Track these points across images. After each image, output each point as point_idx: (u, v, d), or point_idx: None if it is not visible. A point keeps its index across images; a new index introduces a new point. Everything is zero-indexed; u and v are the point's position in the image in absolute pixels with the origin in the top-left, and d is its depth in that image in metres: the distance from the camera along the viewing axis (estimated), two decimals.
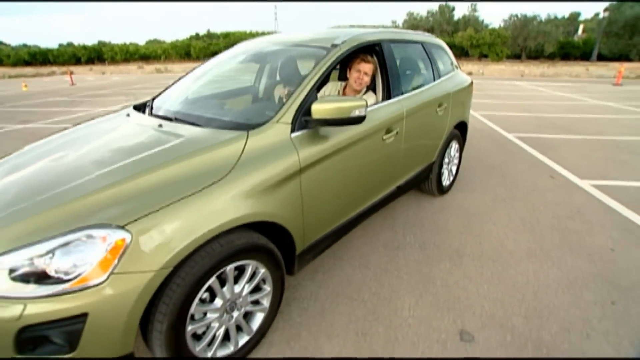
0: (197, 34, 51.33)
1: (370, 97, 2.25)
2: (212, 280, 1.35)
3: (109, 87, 16.62)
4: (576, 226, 2.78)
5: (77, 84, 18.88)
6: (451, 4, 39.61)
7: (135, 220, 1.16)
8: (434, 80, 2.83)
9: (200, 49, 41.23)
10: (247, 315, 1.61)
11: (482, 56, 33.13)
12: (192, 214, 1.25)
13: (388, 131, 2.14)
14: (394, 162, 2.33)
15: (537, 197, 3.34)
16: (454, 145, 3.24)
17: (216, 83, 2.40)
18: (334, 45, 1.97)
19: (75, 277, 1.10)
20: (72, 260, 1.11)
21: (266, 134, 1.54)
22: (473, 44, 32.78)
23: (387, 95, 2.26)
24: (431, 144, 2.81)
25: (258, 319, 1.64)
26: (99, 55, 42.61)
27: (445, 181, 3.26)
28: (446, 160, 3.14)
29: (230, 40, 41.28)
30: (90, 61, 42.25)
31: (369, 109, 2.03)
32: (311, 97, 1.71)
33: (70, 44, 49.09)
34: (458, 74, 3.28)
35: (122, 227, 1.14)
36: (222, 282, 1.42)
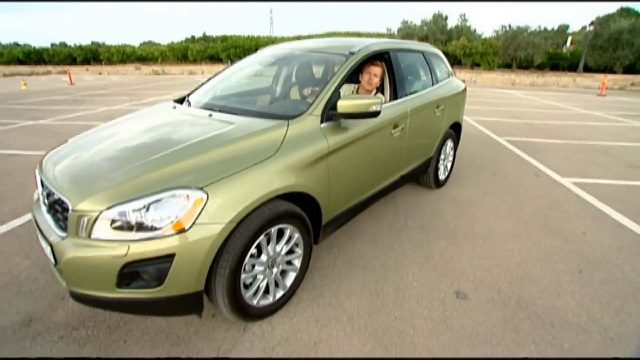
0: (193, 37, 51.57)
1: (380, 98, 2.63)
2: (262, 238, 1.70)
3: (109, 87, 16.81)
4: (555, 215, 3.18)
5: (76, 83, 18.99)
6: (444, 12, 40.66)
7: (211, 183, 1.50)
8: (433, 85, 3.23)
9: (198, 51, 41.52)
10: (283, 273, 1.95)
11: (475, 65, 34.09)
12: (250, 182, 1.59)
13: (395, 126, 2.51)
14: (399, 154, 2.71)
15: (523, 191, 3.75)
16: (449, 144, 3.64)
17: (248, 81, 2.77)
18: (352, 53, 2.35)
19: (166, 225, 1.43)
20: (163, 213, 1.44)
21: (302, 124, 1.90)
22: (466, 52, 33.72)
23: (394, 96, 2.64)
24: (430, 140, 3.20)
25: (291, 277, 1.98)
26: (95, 56, 42.53)
27: (441, 175, 3.65)
28: (442, 156, 3.54)
29: (228, 43, 41.62)
30: (86, 61, 42.20)
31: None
32: (335, 95, 2.08)
33: (63, 44, 48.92)
34: (453, 80, 3.69)
35: (201, 189, 1.48)
36: (267, 241, 1.76)
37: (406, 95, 2.75)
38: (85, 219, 1.44)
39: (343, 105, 1.97)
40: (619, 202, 3.44)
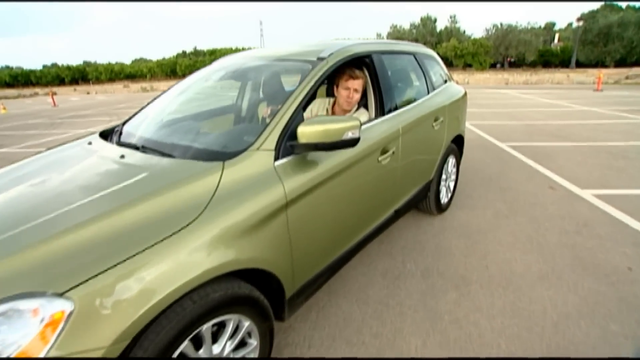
0: (184, 52, 51.31)
1: (363, 115, 2.07)
2: (185, 345, 1.11)
3: (93, 107, 16.28)
4: (585, 242, 2.61)
5: (60, 105, 18.48)
6: (433, 15, 40.59)
7: (80, 284, 0.92)
8: (428, 93, 2.67)
9: (187, 66, 41.16)
10: None
11: (467, 66, 33.85)
12: (154, 270, 1.01)
13: (384, 151, 1.94)
14: (391, 185, 2.14)
15: (540, 211, 3.18)
16: (451, 161, 3.07)
17: (193, 103, 2.19)
18: (320, 59, 1.79)
19: None
20: None
21: (245, 164, 1.32)
22: (457, 54, 33.50)
23: (381, 112, 2.08)
24: (428, 161, 2.63)
25: None
26: (83, 76, 42.08)
27: (444, 199, 3.08)
28: (444, 176, 2.97)
29: (216, 56, 41.32)
30: (74, 81, 41.73)
31: (362, 127, 1.84)
32: (297, 118, 1.51)
33: (54, 65, 48.51)
34: (451, 85, 3.14)
35: (61, 295, 0.90)
36: (198, 344, 1.18)
37: (396, 108, 2.19)
38: None
39: (305, 132, 1.40)
40: None
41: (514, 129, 6.99)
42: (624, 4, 35.87)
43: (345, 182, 1.68)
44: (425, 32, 38.91)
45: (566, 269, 2.30)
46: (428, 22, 40.34)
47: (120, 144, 1.73)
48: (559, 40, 41.68)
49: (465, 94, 3.33)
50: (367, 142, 1.81)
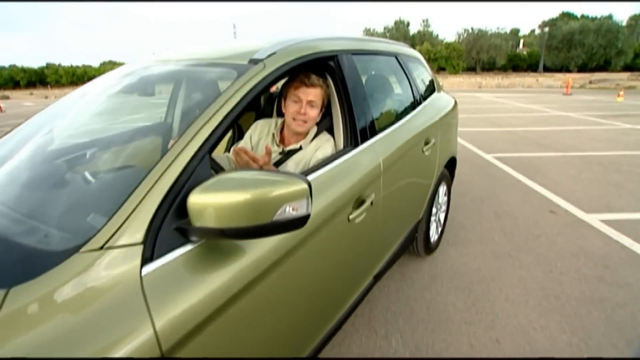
0: (154, 54, 48.96)
1: (326, 144, 1.40)
2: None
3: None
4: (614, 294, 2.06)
5: (8, 110, 16.88)
6: (405, 19, 40.90)
7: None
8: (416, 105, 2.04)
9: None
10: None
11: (440, 69, 34.13)
12: None
13: (358, 203, 1.28)
14: (368, 247, 1.48)
15: (547, 245, 2.63)
16: (443, 189, 2.46)
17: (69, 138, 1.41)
18: (254, 61, 1.11)
19: None
20: None
21: (64, 290, 0.61)
22: (430, 57, 33.67)
23: (352, 138, 1.41)
24: (417, 198, 2.00)
25: None
26: (41, 79, 39.20)
27: (434, 236, 2.47)
28: (434, 210, 2.35)
29: None
30: (31, 85, 38.84)
31: (324, 169, 1.18)
32: (199, 169, 0.82)
33: (13, 66, 44.98)
34: (442, 95, 2.53)
35: None
36: None
37: (374, 131, 1.53)
38: None
39: (199, 207, 0.71)
40: None
41: (497, 137, 6.59)
42: (579, 13, 37.89)
43: (295, 270, 1.00)
44: (399, 36, 39.04)
45: (604, 343, 1.72)
46: (401, 26, 40.59)
47: None
48: (524, 45, 43.41)
49: (456, 104, 2.75)
50: (332, 193, 1.14)
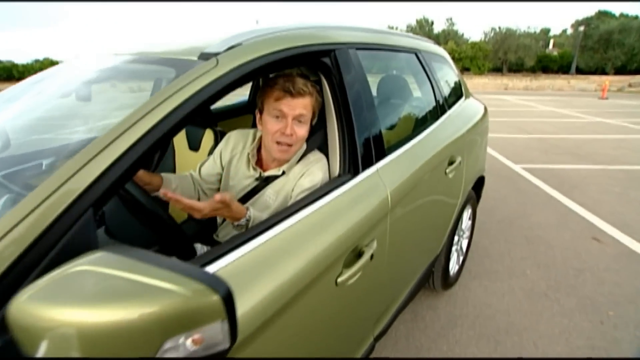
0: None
1: (316, 169, 1.05)
2: None
3: None
4: None
5: None
6: (430, 17, 39.72)
7: None
8: (439, 115, 1.64)
9: None
10: None
11: (464, 70, 32.93)
12: None
13: (353, 256, 0.92)
14: (367, 311, 1.12)
15: (593, 285, 2.19)
16: (467, 213, 2.06)
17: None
18: (205, 56, 0.77)
19: None
20: None
21: None
22: (455, 57, 32.52)
23: (351, 162, 1.05)
24: (436, 231, 1.61)
25: None
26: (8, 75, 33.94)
27: (454, 268, 2.07)
28: (456, 238, 1.96)
29: None
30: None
31: (307, 210, 0.84)
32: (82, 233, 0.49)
33: None
34: (470, 101, 2.12)
35: None
36: None
37: (383, 152, 1.17)
38: None
39: (24, 324, 0.38)
40: None
41: (526, 145, 6.03)
42: (617, 12, 35.64)
43: (267, 349, 0.66)
44: (422, 35, 38.04)
45: None
46: (425, 25, 39.45)
47: None
48: (553, 46, 41.49)
49: (486, 111, 2.33)
50: (316, 247, 0.79)
